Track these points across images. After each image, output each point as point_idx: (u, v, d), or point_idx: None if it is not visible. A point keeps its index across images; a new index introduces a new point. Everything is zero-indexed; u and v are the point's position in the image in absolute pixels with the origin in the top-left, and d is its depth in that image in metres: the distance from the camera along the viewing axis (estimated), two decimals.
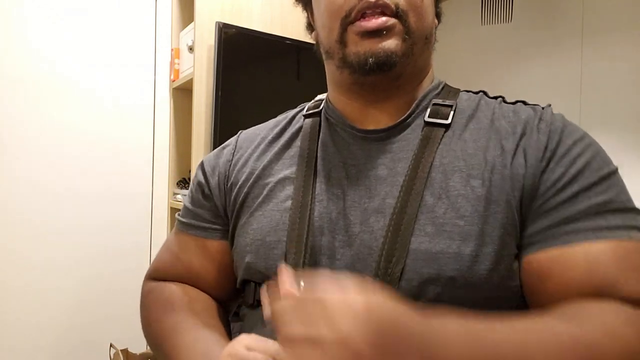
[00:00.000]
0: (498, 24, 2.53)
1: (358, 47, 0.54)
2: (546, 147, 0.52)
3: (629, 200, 0.51)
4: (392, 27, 0.53)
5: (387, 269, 0.50)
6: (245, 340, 0.48)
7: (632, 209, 0.50)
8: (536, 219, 0.51)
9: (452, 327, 0.40)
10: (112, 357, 1.70)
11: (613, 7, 2.12)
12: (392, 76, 0.56)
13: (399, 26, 0.53)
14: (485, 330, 0.41)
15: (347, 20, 0.54)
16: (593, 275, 0.46)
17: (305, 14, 0.68)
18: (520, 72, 2.44)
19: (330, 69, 0.62)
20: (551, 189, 0.50)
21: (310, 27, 0.67)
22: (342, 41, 0.55)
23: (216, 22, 1.68)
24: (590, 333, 0.42)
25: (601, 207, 0.48)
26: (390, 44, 0.53)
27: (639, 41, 2.03)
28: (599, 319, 0.43)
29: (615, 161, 0.54)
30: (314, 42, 0.66)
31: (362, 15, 0.53)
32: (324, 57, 0.62)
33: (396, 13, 0.53)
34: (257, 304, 0.60)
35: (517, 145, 0.53)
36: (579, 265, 0.47)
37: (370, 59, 0.53)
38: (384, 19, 0.53)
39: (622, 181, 0.52)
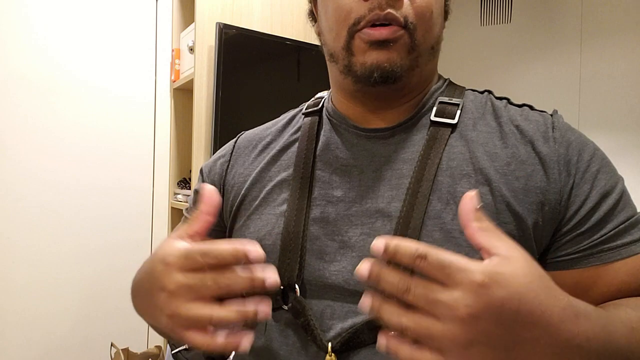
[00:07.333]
0: (497, 24, 2.54)
1: (365, 58, 0.53)
2: (569, 162, 0.52)
3: (635, 208, 0.54)
4: (399, 38, 0.52)
5: None
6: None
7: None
8: (569, 240, 0.52)
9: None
10: (112, 356, 1.71)
11: (612, 9, 2.12)
12: (396, 87, 0.55)
13: (406, 38, 0.53)
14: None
15: (355, 28, 0.53)
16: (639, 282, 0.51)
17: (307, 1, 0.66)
18: (520, 72, 2.45)
19: (334, 72, 0.60)
20: (582, 209, 0.51)
21: (312, 15, 0.65)
22: (349, 49, 0.54)
23: (216, 23, 1.68)
24: None
25: (626, 224, 0.52)
26: (396, 57, 0.52)
27: (637, 43, 2.04)
28: None
29: (613, 160, 0.56)
30: (315, 34, 0.64)
31: (371, 25, 0.52)
32: (327, 57, 0.60)
33: (405, 25, 0.52)
34: None
35: (531, 154, 0.53)
36: (622, 277, 0.51)
37: (376, 73, 0.53)
38: (393, 28, 0.52)
39: (626, 189, 0.54)
